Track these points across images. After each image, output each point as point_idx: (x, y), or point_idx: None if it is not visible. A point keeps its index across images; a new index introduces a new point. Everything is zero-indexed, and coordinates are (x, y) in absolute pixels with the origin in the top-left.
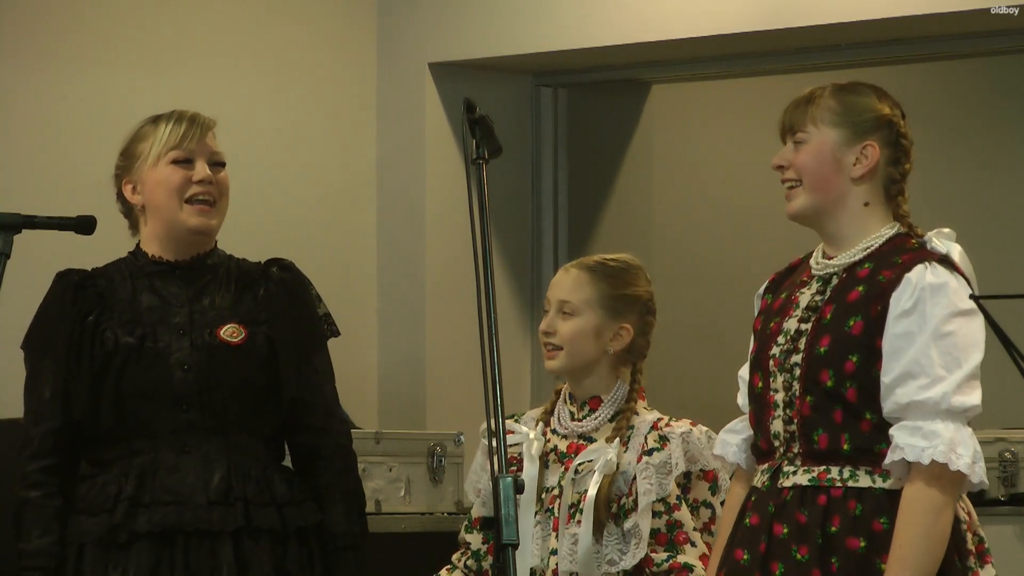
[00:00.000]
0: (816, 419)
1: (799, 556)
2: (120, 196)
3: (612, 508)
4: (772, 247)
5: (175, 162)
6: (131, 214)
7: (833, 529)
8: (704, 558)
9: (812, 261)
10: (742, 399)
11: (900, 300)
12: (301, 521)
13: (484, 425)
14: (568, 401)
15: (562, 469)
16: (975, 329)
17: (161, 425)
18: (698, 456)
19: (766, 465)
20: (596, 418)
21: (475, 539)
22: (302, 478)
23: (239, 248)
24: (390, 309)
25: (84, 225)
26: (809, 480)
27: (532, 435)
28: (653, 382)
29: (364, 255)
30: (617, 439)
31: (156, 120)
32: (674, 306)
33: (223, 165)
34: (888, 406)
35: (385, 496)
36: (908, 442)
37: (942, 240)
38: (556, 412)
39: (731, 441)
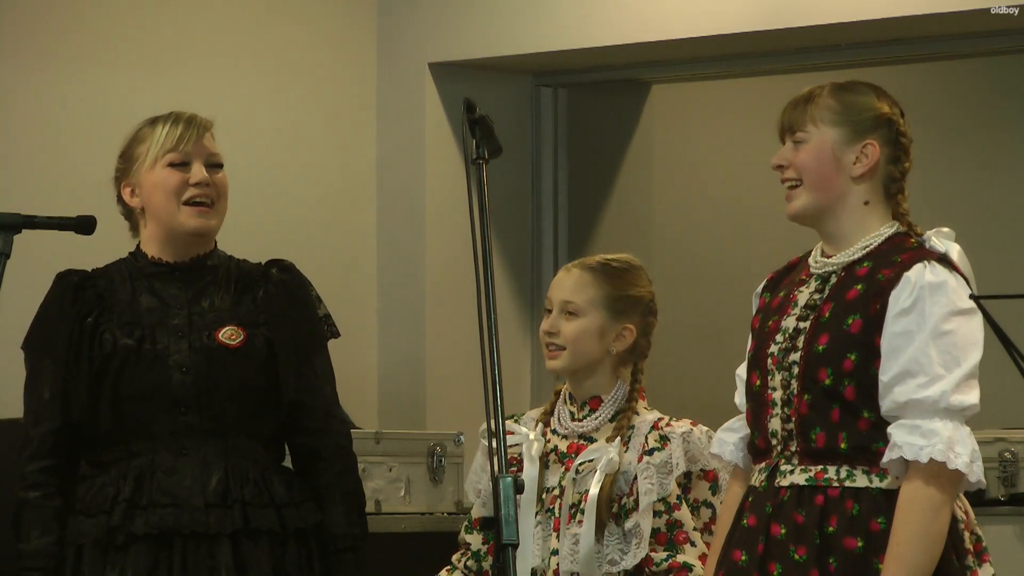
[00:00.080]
0: (814, 417)
1: (797, 556)
2: (120, 199)
3: (613, 508)
4: (772, 247)
5: (171, 165)
6: (131, 216)
7: (831, 529)
8: (704, 558)
9: (811, 260)
10: (739, 398)
11: (899, 299)
12: (300, 522)
13: (484, 425)
14: (568, 401)
15: (562, 469)
16: (974, 328)
17: (159, 427)
18: (699, 456)
19: (763, 464)
20: (596, 418)
21: (475, 539)
22: (302, 479)
23: (239, 248)
24: (390, 309)
25: (84, 225)
26: (806, 480)
27: (532, 436)
28: (653, 382)
29: (364, 255)
30: (618, 439)
31: (153, 122)
32: (674, 306)
33: (221, 166)
34: (886, 404)
35: (385, 496)
36: (906, 440)
37: (941, 239)
38: (556, 412)
39: (728, 440)
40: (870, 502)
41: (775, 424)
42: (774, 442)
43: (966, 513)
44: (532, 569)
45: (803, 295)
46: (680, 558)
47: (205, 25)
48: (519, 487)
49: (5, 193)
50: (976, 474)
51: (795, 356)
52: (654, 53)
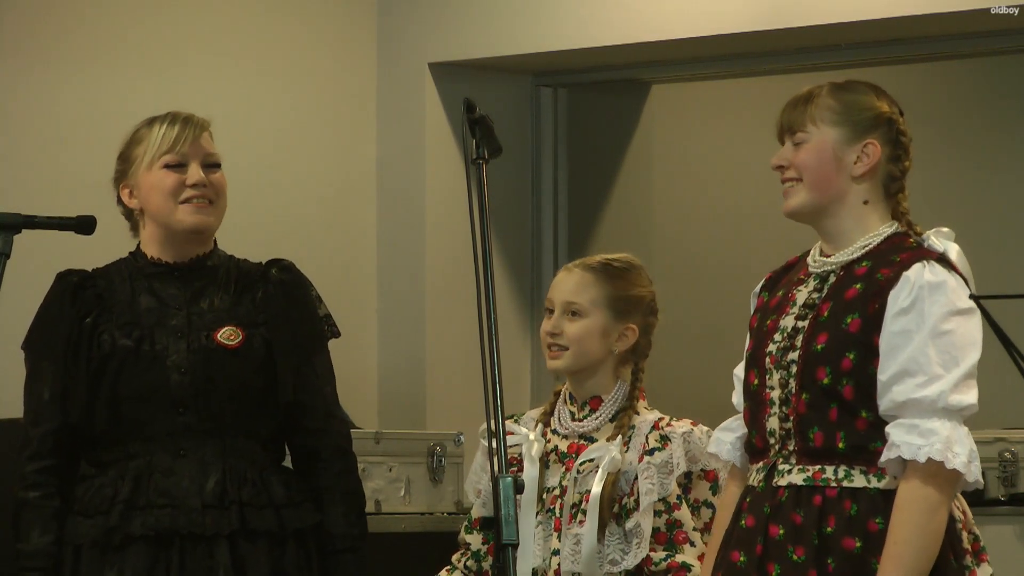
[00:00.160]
0: (812, 417)
1: (795, 557)
2: (119, 200)
3: (614, 508)
4: (772, 247)
5: (168, 166)
6: (131, 217)
7: (829, 529)
8: (703, 558)
9: (809, 259)
10: (737, 398)
11: (898, 298)
12: (299, 523)
13: (484, 425)
14: (568, 401)
15: (563, 469)
16: (973, 328)
17: (157, 428)
18: (699, 456)
19: (761, 463)
20: (597, 418)
21: (475, 539)
22: (302, 479)
23: (239, 248)
24: (390, 309)
25: (84, 225)
26: (804, 480)
27: (532, 436)
28: (653, 382)
29: (364, 255)
30: (619, 438)
31: (151, 123)
32: (674, 306)
33: (218, 166)
34: (884, 404)
35: (385, 496)
36: (904, 440)
37: (940, 239)
38: (556, 412)
39: (725, 439)
40: (868, 502)
41: (773, 423)
42: (772, 441)
43: (964, 513)
44: (533, 569)
45: (802, 294)
46: (679, 558)
47: (205, 25)
48: (519, 487)
49: (5, 193)
50: (974, 474)
51: (793, 355)
52: (654, 53)
